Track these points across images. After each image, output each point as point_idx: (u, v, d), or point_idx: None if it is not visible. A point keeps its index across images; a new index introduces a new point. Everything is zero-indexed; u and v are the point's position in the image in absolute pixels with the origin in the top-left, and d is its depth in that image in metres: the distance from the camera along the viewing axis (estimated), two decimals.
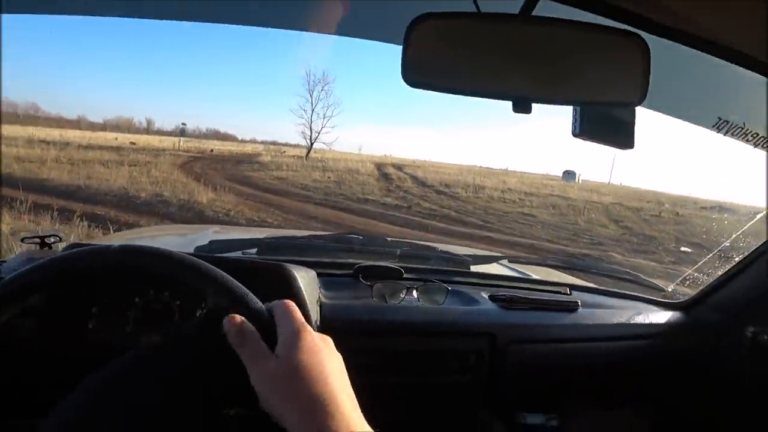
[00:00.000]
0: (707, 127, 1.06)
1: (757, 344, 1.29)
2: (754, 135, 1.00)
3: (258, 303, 0.65)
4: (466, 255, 1.59)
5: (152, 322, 0.83)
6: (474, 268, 1.50)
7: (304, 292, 0.93)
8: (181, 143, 33.88)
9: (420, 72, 0.65)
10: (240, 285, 0.67)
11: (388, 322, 1.14)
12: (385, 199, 15.94)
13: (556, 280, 1.58)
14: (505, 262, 1.75)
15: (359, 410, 0.52)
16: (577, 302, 1.33)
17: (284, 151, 38.34)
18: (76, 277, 0.69)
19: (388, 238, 1.77)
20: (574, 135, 0.84)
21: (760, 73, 0.80)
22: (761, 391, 1.30)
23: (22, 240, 1.13)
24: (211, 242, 1.38)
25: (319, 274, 1.15)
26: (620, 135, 0.86)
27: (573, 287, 1.47)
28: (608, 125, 0.84)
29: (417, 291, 1.23)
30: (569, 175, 41.19)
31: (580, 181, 38.87)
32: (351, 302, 1.17)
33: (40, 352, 0.76)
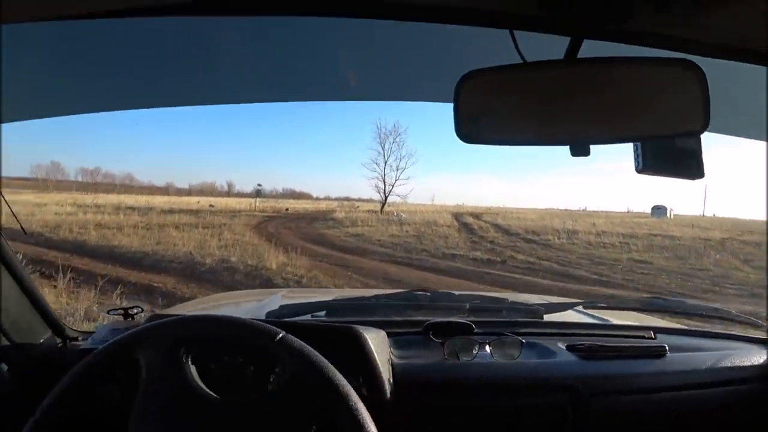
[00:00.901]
0: (762, 139, 1.10)
1: None
2: None
3: (333, 371, 0.75)
4: (538, 304, 1.51)
5: (229, 387, 0.82)
6: (548, 317, 1.42)
7: (375, 353, 0.96)
8: (258, 204, 34.07)
9: (473, 127, 0.66)
10: (317, 354, 0.76)
11: (462, 380, 1.11)
12: (474, 253, 14.28)
13: (637, 323, 1.50)
14: (580, 308, 1.59)
15: None
16: (664, 346, 1.23)
17: (357, 207, 37.65)
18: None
19: (456, 292, 1.66)
20: (638, 171, 0.82)
21: None
22: None
23: (108, 312, 1.27)
24: (281, 307, 1.38)
25: (388, 334, 1.17)
26: (687, 165, 0.83)
27: (657, 330, 1.39)
28: (673, 157, 0.81)
29: (490, 346, 1.20)
30: (659, 210, 36.86)
31: (672, 216, 35.01)
32: (423, 361, 1.16)
33: (121, 420, 0.77)
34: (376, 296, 1.56)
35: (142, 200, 34.59)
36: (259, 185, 38.11)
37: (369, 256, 12.97)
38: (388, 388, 0.97)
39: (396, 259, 12.60)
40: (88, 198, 34.03)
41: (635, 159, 0.82)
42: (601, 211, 43.56)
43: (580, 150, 0.68)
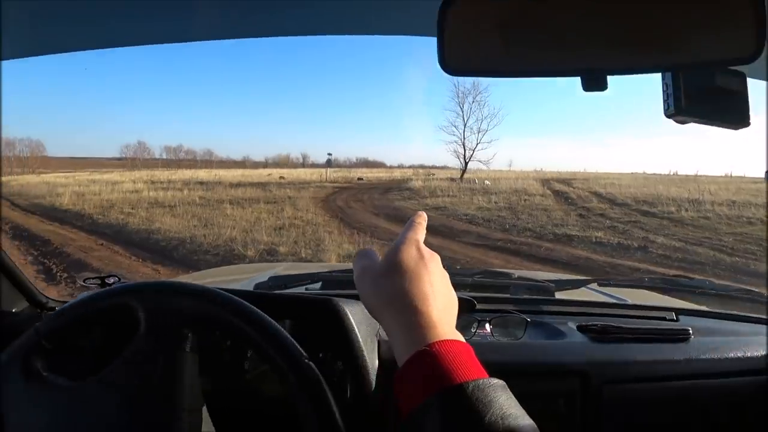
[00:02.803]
0: None
1: None
2: None
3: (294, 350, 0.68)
4: (548, 280, 1.41)
5: (202, 364, 0.76)
6: (558, 295, 1.34)
7: (357, 329, 0.89)
8: (329, 174, 32.53)
9: (461, 56, 0.55)
10: (279, 329, 0.70)
11: None
12: (592, 233, 10.97)
13: (658, 304, 1.38)
14: (594, 285, 1.51)
15: (454, 321, 0.53)
16: (688, 329, 1.10)
17: (433, 174, 35.24)
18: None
19: (458, 266, 1.78)
20: (668, 115, 0.69)
21: None
22: None
23: (84, 281, 1.18)
24: (271, 278, 1.34)
25: None
26: (729, 109, 0.70)
27: (680, 311, 1.27)
28: (712, 99, 0.68)
29: (490, 324, 1.11)
30: None
31: None
32: None
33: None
34: None
35: (214, 174, 34.88)
36: (330, 154, 36.51)
37: (458, 238, 10.16)
38: (370, 365, 0.87)
39: (494, 243, 9.71)
40: (164, 174, 34.57)
41: (664, 100, 0.67)
42: (701, 176, 37.72)
43: (595, 83, 0.54)
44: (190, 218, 11.92)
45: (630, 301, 1.38)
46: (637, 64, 0.54)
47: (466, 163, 29.91)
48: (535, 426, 0.44)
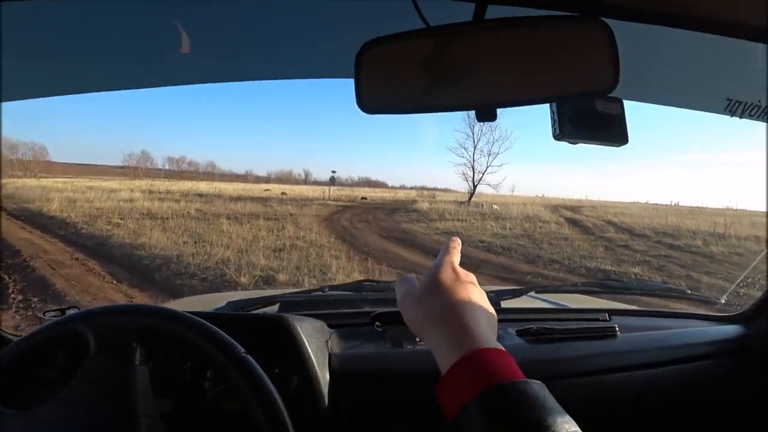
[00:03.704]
0: (719, 112, 0.99)
1: None
2: None
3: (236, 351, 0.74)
4: (490, 291, 1.29)
5: (163, 385, 0.80)
6: (503, 305, 1.37)
7: (307, 344, 0.93)
8: (331, 191, 31.44)
9: (376, 98, 0.64)
10: (223, 335, 0.74)
11: (401, 370, 1.06)
12: (628, 268, 9.87)
13: (592, 306, 1.48)
14: (533, 293, 1.54)
15: (494, 333, 0.55)
16: (614, 327, 1.19)
17: (435, 196, 34.02)
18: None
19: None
20: (556, 138, 0.80)
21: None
22: None
23: (44, 313, 1.18)
24: (229, 303, 1.36)
25: (338, 326, 1.16)
26: (609, 130, 0.82)
27: (612, 312, 1.35)
28: (593, 121, 0.80)
29: None
30: None
31: None
32: (363, 351, 1.12)
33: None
34: (325, 288, 1.46)
35: (215, 187, 34.37)
36: (334, 172, 35.33)
37: (480, 269, 9.03)
38: (322, 378, 0.93)
39: (523, 277, 8.57)
40: (163, 184, 33.79)
41: (552, 125, 0.79)
42: (706, 207, 36.77)
43: (485, 115, 0.64)
44: (181, 233, 10.80)
45: (569, 306, 1.48)
46: (521, 98, 0.63)
47: (475, 186, 28.88)
48: (576, 425, 0.45)
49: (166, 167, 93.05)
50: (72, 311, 1.16)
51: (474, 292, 0.58)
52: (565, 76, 0.62)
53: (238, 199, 22.56)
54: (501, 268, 9.29)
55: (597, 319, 1.30)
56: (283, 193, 30.55)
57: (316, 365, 0.92)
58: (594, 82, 0.62)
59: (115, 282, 6.60)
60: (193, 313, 0.78)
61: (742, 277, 1.60)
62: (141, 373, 0.74)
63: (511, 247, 11.95)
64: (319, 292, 1.44)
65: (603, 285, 1.55)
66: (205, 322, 0.75)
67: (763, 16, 0.66)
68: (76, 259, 8.04)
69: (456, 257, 0.63)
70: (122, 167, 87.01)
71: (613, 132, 0.82)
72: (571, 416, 0.48)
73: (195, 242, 9.76)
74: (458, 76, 0.62)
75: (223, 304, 1.35)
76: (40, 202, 16.92)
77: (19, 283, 6.39)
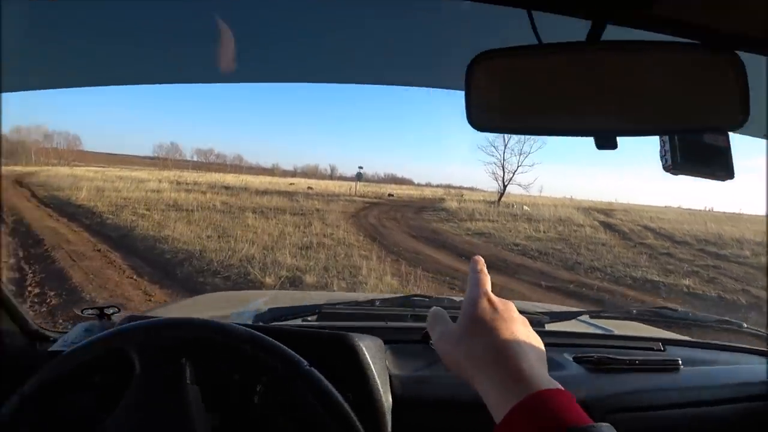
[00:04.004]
0: (759, 136, 0.98)
1: None
2: None
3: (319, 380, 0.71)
4: (541, 312, 1.40)
5: (212, 398, 0.78)
6: (550, 327, 1.33)
7: (372, 364, 0.89)
8: (358, 187, 31.02)
9: (487, 114, 0.61)
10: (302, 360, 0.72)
11: (467, 397, 0.89)
12: (678, 280, 9.09)
13: (645, 335, 1.43)
14: (585, 317, 1.48)
15: (545, 366, 0.51)
16: (677, 360, 1.16)
17: (462, 195, 33.28)
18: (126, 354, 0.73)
19: (457, 299, 1.46)
20: (666, 169, 0.75)
21: None
22: None
23: (82, 311, 1.17)
24: (270, 310, 1.29)
25: (385, 342, 1.09)
26: (717, 165, 0.76)
27: (666, 342, 1.32)
28: (702, 155, 0.75)
29: None
30: None
31: None
32: (423, 374, 1.06)
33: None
34: (371, 301, 1.40)
35: (241, 180, 34.54)
36: (361, 168, 34.99)
37: (518, 275, 8.45)
38: (386, 402, 0.88)
39: (566, 287, 7.92)
40: (191, 176, 34.06)
41: (662, 155, 0.74)
42: (743, 214, 35.20)
43: (606, 143, 0.60)
44: (205, 227, 10.52)
45: (618, 333, 1.40)
46: (641, 129, 0.59)
47: (505, 186, 28.06)
48: None
49: (194, 159, 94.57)
50: (111, 310, 1.17)
51: (518, 327, 0.54)
52: (689, 108, 0.58)
53: (265, 192, 22.46)
54: (540, 275, 8.67)
55: (652, 349, 1.28)
56: (309, 188, 30.42)
57: (380, 387, 0.88)
58: (721, 117, 0.58)
59: (134, 277, 6.28)
60: (245, 326, 0.78)
61: None
62: (193, 393, 0.73)
63: (548, 251, 11.29)
64: (364, 304, 1.37)
65: (656, 313, 1.47)
66: (261, 335, 0.73)
67: None
68: (98, 250, 7.78)
69: (488, 284, 0.59)
70: (152, 158, 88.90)
71: (720, 166, 0.76)
72: None
73: (219, 236, 9.44)
74: (574, 100, 0.58)
75: (264, 309, 1.29)
76: (70, 191, 17.07)
77: (38, 274, 6.15)
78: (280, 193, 22.90)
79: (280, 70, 1.25)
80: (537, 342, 0.54)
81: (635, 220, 20.57)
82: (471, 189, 56.16)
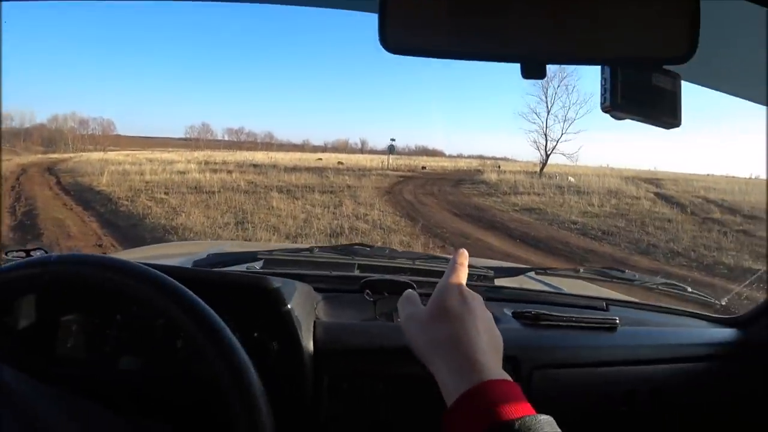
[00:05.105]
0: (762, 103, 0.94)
1: None
2: None
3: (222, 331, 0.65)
4: (488, 267, 1.41)
5: (134, 342, 0.80)
6: (498, 282, 1.35)
7: (293, 309, 0.88)
8: (390, 161, 29.60)
9: (403, 35, 0.55)
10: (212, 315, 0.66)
11: (390, 344, 0.97)
12: None
13: (590, 294, 1.42)
14: (532, 274, 1.54)
15: (500, 360, 0.56)
16: (616, 319, 1.14)
17: (499, 166, 31.76)
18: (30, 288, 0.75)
19: (401, 250, 1.60)
20: (604, 109, 0.69)
21: None
22: None
23: (6, 253, 1.14)
24: (210, 255, 1.32)
25: (323, 290, 1.13)
26: (662, 109, 0.70)
27: (610, 302, 1.32)
28: (647, 97, 0.68)
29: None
30: None
31: None
32: (349, 321, 1.05)
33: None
34: (313, 248, 1.40)
35: (270, 157, 33.89)
36: (393, 140, 33.27)
37: (588, 263, 6.96)
38: (305, 347, 0.87)
39: (656, 285, 6.40)
40: (221, 155, 33.59)
41: (602, 94, 0.68)
42: None
43: (533, 71, 0.56)
44: (224, 212, 9.52)
45: (566, 291, 1.43)
46: (575, 56, 0.57)
47: (548, 156, 26.21)
48: None
49: (226, 138, 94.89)
50: (38, 253, 1.13)
51: (482, 321, 0.58)
52: (630, 37, 0.55)
53: (294, 169, 21.53)
54: (613, 263, 7.16)
55: (595, 308, 1.27)
56: (339, 163, 29.45)
57: (300, 332, 0.86)
58: (664, 48, 0.55)
59: None
60: (167, 268, 0.73)
61: (748, 281, 1.64)
62: (64, 328, 0.76)
63: (611, 230, 9.88)
64: (307, 252, 1.37)
65: (603, 273, 1.48)
66: (168, 278, 0.67)
67: None
68: (100, 245, 6.82)
69: (464, 276, 0.62)
70: (184, 139, 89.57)
71: (666, 111, 0.69)
72: (562, 407, 0.47)
73: (237, 224, 8.38)
74: (501, 22, 0.53)
75: (203, 255, 1.31)
76: (93, 177, 16.39)
77: None
78: (309, 169, 21.98)
79: None
80: (497, 337, 0.58)
81: (689, 191, 19.01)
82: (504, 159, 54.07)
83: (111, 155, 32.34)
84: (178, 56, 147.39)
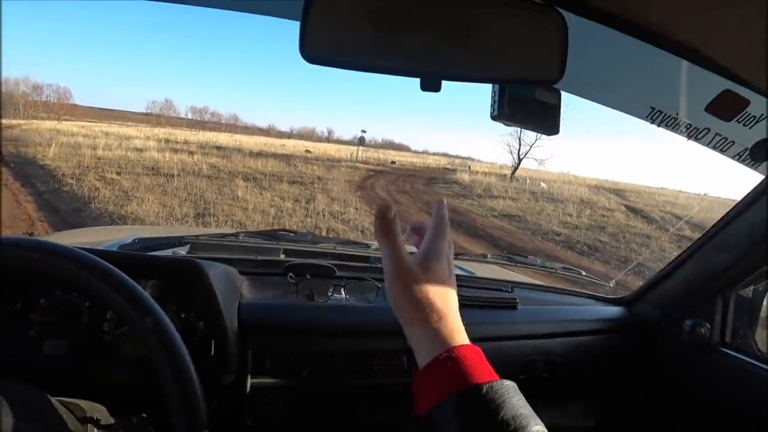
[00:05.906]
0: (641, 117, 1.03)
1: (694, 337, 1.27)
2: (687, 126, 0.97)
3: (150, 306, 0.66)
4: None
5: (59, 326, 0.81)
6: None
7: (218, 290, 0.92)
8: (360, 153, 28.99)
9: (320, 47, 0.58)
10: (134, 285, 0.67)
11: (312, 323, 1.09)
12: None
13: (499, 277, 1.56)
14: None
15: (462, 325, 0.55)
16: (516, 298, 1.31)
17: (469, 166, 31.79)
18: None
19: (323, 236, 2.25)
20: (493, 118, 0.80)
21: (704, 67, 0.73)
22: (700, 384, 1.30)
23: None
24: (136, 240, 1.30)
25: (248, 273, 1.17)
26: (543, 119, 0.83)
27: (515, 284, 1.45)
28: (530, 108, 0.81)
29: (345, 289, 1.18)
30: None
31: None
32: (272, 301, 1.12)
33: None
34: (239, 233, 1.42)
35: (235, 140, 33.01)
36: (364, 131, 32.94)
37: None
38: (230, 326, 0.93)
39: None
40: (182, 134, 31.98)
41: (491, 104, 0.79)
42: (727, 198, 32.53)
43: (430, 85, 0.61)
44: (183, 200, 8.54)
45: (477, 274, 1.51)
46: (468, 75, 0.61)
47: (520, 160, 26.28)
48: (543, 426, 0.46)
49: (189, 116, 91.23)
50: None
51: (454, 283, 0.58)
52: (513, 60, 0.61)
53: (259, 154, 20.56)
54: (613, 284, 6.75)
55: (501, 290, 1.37)
56: (307, 151, 28.71)
57: (224, 312, 0.91)
58: (540, 71, 0.62)
59: None
60: (96, 251, 0.74)
61: (630, 267, 2.73)
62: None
63: (595, 245, 9.52)
64: (233, 237, 1.38)
65: (510, 258, 1.61)
66: (98, 259, 0.67)
67: (696, 37, 0.67)
68: (31, 234, 5.81)
69: (450, 239, 0.61)
70: (145, 114, 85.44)
71: (547, 121, 0.82)
72: None
73: (197, 215, 7.47)
74: (407, 40, 0.58)
75: (129, 240, 1.29)
76: (39, 148, 14.80)
77: None
78: (275, 156, 21.04)
79: None
80: (456, 305, 0.57)
81: (654, 204, 19.03)
82: (468, 158, 54.53)
83: (65, 125, 30.01)
84: (144, 25, 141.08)
